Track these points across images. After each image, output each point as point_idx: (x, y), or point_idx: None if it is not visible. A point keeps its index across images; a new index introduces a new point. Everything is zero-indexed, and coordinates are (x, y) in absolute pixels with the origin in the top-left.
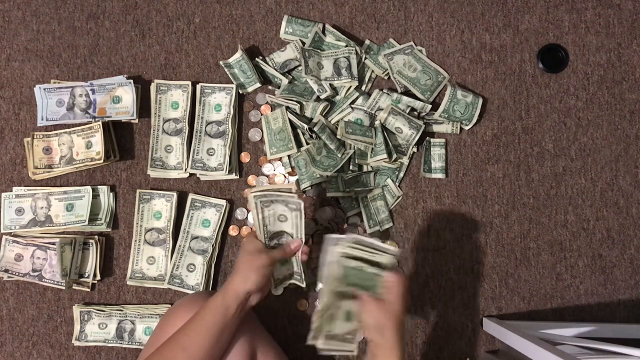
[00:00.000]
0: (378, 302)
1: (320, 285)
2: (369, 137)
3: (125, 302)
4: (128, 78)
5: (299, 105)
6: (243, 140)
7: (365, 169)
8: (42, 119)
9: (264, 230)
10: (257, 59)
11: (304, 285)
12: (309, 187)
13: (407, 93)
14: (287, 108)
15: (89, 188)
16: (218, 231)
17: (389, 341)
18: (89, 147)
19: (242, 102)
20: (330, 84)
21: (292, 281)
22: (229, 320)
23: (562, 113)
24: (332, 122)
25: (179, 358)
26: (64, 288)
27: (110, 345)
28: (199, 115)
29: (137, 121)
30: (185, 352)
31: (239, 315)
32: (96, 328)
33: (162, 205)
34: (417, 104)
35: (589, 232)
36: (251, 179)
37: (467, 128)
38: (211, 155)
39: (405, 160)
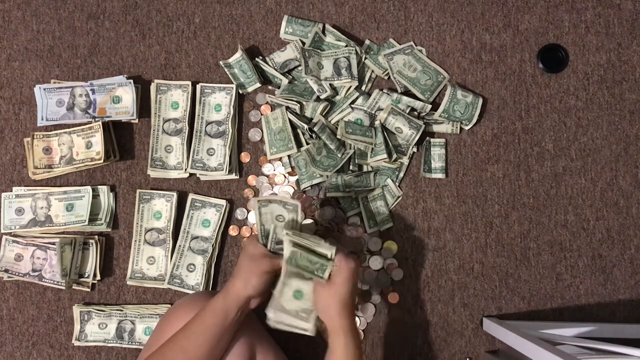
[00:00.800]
0: (325, 285)
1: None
2: (369, 137)
3: (125, 302)
4: (128, 78)
5: (299, 105)
6: (243, 140)
7: (365, 169)
8: (42, 119)
9: (261, 229)
10: (257, 59)
11: None
12: (309, 187)
13: (407, 93)
14: (287, 108)
15: (89, 188)
16: (218, 231)
17: (335, 321)
18: (89, 147)
19: (242, 102)
20: (330, 84)
21: None
22: (229, 323)
23: (562, 113)
24: (332, 122)
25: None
26: (64, 288)
27: (110, 345)
28: (199, 115)
29: (137, 121)
30: (185, 354)
31: (239, 319)
32: (96, 328)
33: (162, 205)
34: (417, 104)
35: (589, 232)
36: (251, 179)
37: (467, 128)
38: (211, 155)
39: (405, 160)
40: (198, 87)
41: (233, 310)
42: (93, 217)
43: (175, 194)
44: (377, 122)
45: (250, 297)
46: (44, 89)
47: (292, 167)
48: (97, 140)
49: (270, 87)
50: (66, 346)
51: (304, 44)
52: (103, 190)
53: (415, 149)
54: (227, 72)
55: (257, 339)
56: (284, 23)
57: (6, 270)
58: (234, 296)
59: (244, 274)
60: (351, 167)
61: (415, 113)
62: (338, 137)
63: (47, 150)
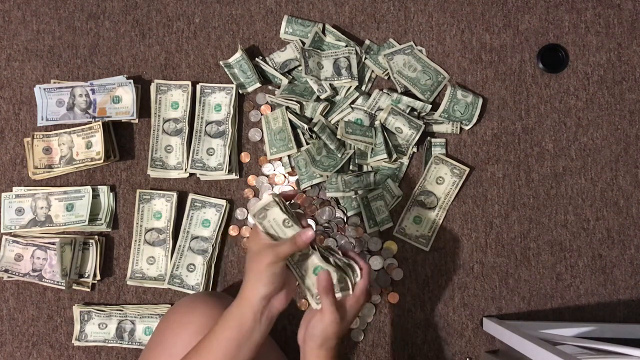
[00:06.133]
0: (335, 312)
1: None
2: (369, 137)
3: (125, 302)
4: (128, 78)
5: (299, 105)
6: (243, 140)
7: (365, 169)
8: (42, 119)
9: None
10: (257, 59)
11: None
12: (309, 187)
13: (407, 93)
14: (287, 108)
15: (89, 188)
16: (218, 231)
17: (329, 353)
18: (89, 147)
19: (242, 102)
20: (330, 84)
21: None
22: (245, 333)
23: (562, 113)
24: (332, 122)
25: None
26: (64, 288)
27: (110, 345)
28: (198, 115)
29: (137, 121)
30: None
31: (260, 327)
32: (96, 328)
33: (162, 205)
34: (417, 104)
35: (589, 232)
36: (251, 179)
37: (467, 128)
38: (211, 155)
39: (405, 160)
40: (198, 87)
41: (248, 318)
42: (93, 217)
43: (175, 194)
44: (377, 122)
45: (265, 297)
46: (44, 89)
47: (292, 167)
48: (97, 140)
49: (270, 87)
50: (66, 346)
51: (304, 44)
52: (103, 190)
53: (415, 149)
54: (227, 72)
55: None
56: (284, 23)
57: (6, 270)
58: (246, 302)
59: (250, 274)
60: (351, 167)
61: (415, 113)
62: (338, 137)
63: (47, 150)
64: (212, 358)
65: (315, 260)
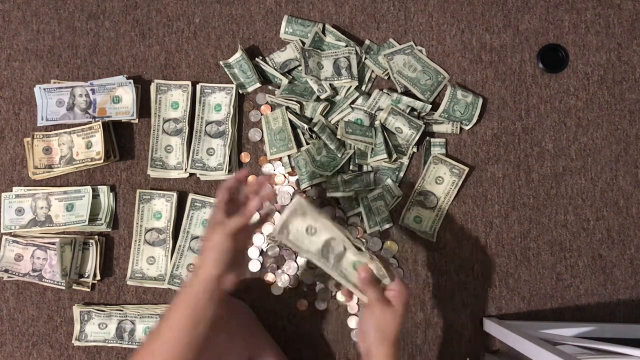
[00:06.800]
0: (386, 308)
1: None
2: (369, 137)
3: (125, 302)
4: (128, 78)
5: (299, 105)
6: (243, 140)
7: (365, 169)
8: (42, 119)
9: (311, 256)
10: (257, 59)
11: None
12: (309, 187)
13: (407, 93)
14: (287, 108)
15: (89, 188)
16: None
17: (386, 349)
18: (89, 147)
19: (242, 102)
20: (330, 84)
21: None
22: (200, 312)
23: (562, 113)
24: (332, 122)
25: None
26: (64, 288)
27: (110, 345)
28: (198, 115)
29: (137, 121)
30: (154, 358)
31: (211, 304)
32: (96, 328)
33: (162, 205)
34: (417, 104)
35: (589, 232)
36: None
37: (467, 128)
38: (211, 155)
39: (405, 160)
40: (198, 87)
41: (201, 297)
42: (93, 217)
43: (175, 194)
44: (377, 122)
45: (215, 277)
46: (44, 89)
47: (292, 167)
48: (97, 140)
49: (270, 87)
50: (66, 346)
51: (304, 44)
52: (103, 190)
53: (415, 149)
54: (227, 72)
55: (257, 339)
56: (284, 23)
57: (6, 270)
58: (199, 281)
59: (202, 251)
60: (351, 167)
61: (415, 113)
62: (338, 137)
63: (47, 150)
64: (174, 335)
65: (351, 256)
